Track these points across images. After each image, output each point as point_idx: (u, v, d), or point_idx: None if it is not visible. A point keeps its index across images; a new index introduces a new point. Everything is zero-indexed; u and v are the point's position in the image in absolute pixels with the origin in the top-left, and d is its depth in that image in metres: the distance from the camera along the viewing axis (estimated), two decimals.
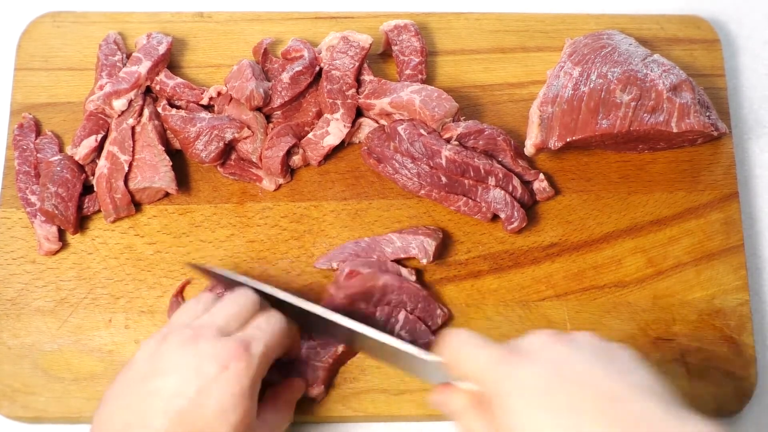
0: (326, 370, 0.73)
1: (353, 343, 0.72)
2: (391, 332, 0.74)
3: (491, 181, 0.78)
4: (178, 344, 0.64)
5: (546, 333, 0.61)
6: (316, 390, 0.73)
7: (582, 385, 0.56)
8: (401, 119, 0.79)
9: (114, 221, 0.78)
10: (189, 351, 0.63)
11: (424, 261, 0.75)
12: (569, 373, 0.57)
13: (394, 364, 0.71)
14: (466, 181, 0.77)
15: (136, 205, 0.79)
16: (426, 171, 0.77)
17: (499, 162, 0.79)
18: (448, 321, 0.76)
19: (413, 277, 0.76)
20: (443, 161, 0.77)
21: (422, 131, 0.77)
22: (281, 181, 0.80)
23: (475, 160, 0.77)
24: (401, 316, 0.74)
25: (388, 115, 0.80)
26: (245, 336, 0.65)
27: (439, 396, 0.66)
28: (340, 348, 0.73)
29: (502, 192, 0.77)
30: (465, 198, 0.78)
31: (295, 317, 0.71)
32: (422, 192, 0.78)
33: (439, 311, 0.75)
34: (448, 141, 0.78)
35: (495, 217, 0.78)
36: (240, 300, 0.68)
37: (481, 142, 0.78)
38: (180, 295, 0.76)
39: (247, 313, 0.68)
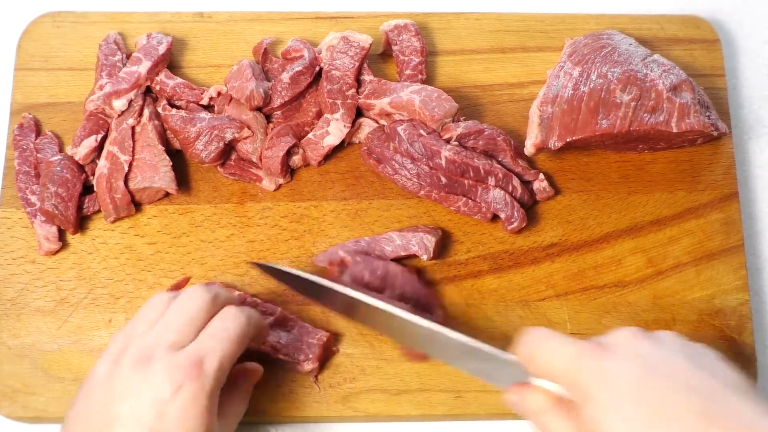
0: (321, 347, 0.73)
1: (409, 339, 0.70)
2: None
3: (491, 181, 0.78)
4: (132, 367, 0.62)
5: (631, 330, 0.60)
6: (310, 366, 0.73)
7: (672, 380, 0.56)
8: (401, 119, 0.79)
9: (114, 221, 0.78)
10: (142, 373, 0.61)
11: (425, 257, 0.75)
12: (658, 369, 0.57)
13: (459, 364, 0.69)
14: (465, 182, 0.77)
15: (136, 205, 0.79)
16: (425, 171, 0.77)
17: (498, 162, 0.79)
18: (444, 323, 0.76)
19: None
20: (443, 161, 0.77)
21: (422, 131, 0.77)
22: (281, 181, 0.80)
23: (475, 160, 0.77)
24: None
25: (388, 115, 0.80)
26: (198, 350, 0.62)
27: (515, 395, 0.64)
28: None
29: (502, 192, 0.77)
30: (465, 198, 0.78)
31: (348, 310, 0.70)
32: (422, 192, 0.78)
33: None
34: (447, 141, 0.78)
35: (495, 218, 0.78)
36: (188, 305, 0.65)
37: (480, 143, 0.78)
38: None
39: (200, 318, 0.65)
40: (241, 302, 0.74)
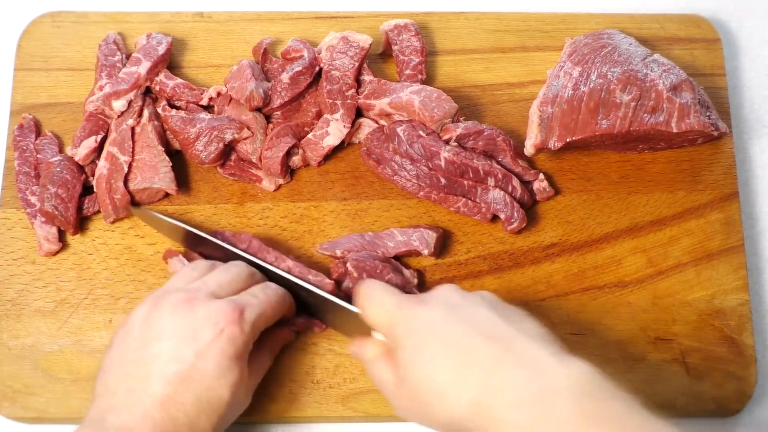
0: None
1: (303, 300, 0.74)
2: None
3: (491, 181, 0.78)
4: (172, 308, 0.65)
5: (449, 285, 0.66)
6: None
7: (471, 325, 0.61)
8: (400, 120, 0.79)
9: (113, 222, 0.78)
10: (184, 315, 0.65)
11: (426, 252, 0.76)
12: (461, 315, 0.62)
13: (331, 323, 0.75)
14: (465, 182, 0.77)
15: (138, 206, 0.79)
16: (425, 172, 0.77)
17: (498, 162, 0.79)
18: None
19: (416, 280, 0.76)
20: (442, 162, 0.77)
21: (421, 132, 0.77)
22: (281, 181, 0.80)
23: (474, 161, 0.77)
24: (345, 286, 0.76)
25: (388, 115, 0.80)
26: (240, 300, 0.67)
27: (356, 347, 0.70)
28: None
29: (502, 192, 0.77)
30: (464, 199, 0.78)
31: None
32: (421, 193, 0.78)
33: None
34: (447, 142, 0.78)
35: (495, 218, 0.78)
36: (233, 269, 0.70)
37: (480, 143, 0.78)
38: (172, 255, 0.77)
39: (241, 282, 0.69)
40: None
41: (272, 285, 0.71)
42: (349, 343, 0.73)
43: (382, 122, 0.81)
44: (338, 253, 0.77)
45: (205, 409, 0.63)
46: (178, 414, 0.62)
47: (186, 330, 0.64)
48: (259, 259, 0.74)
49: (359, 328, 0.70)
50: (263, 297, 0.68)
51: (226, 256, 0.74)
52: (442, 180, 0.77)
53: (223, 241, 0.75)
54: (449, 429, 0.61)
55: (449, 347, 0.60)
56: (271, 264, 0.74)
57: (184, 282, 0.69)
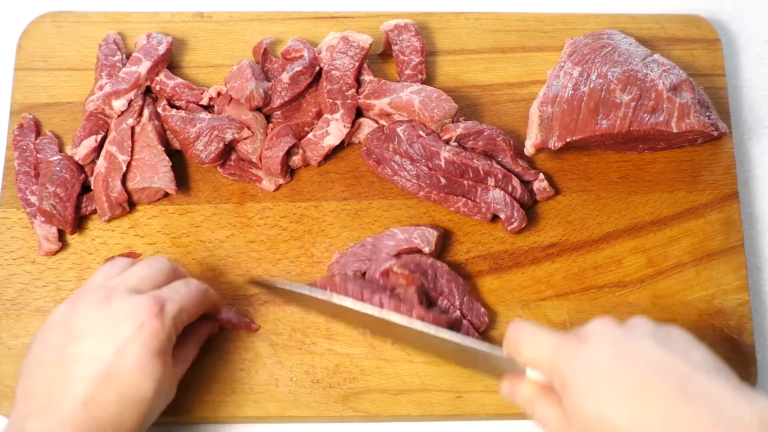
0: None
1: (413, 343, 0.73)
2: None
3: (491, 181, 0.78)
4: (92, 305, 0.64)
5: (603, 319, 0.63)
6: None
7: (641, 363, 0.58)
8: (400, 120, 0.79)
9: (109, 220, 0.78)
10: (103, 311, 0.64)
11: (426, 249, 0.75)
12: (628, 353, 0.59)
13: (458, 361, 0.72)
14: (465, 182, 0.77)
15: (135, 205, 0.79)
16: (425, 172, 0.77)
17: (498, 162, 0.79)
18: (490, 323, 0.76)
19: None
20: (442, 162, 0.77)
21: (421, 132, 0.77)
22: (281, 181, 0.80)
23: (474, 161, 0.77)
24: (454, 315, 0.74)
25: (388, 115, 0.80)
26: (160, 294, 0.66)
27: (508, 386, 0.67)
28: None
29: (502, 192, 0.77)
30: (464, 199, 0.78)
31: (360, 323, 0.72)
32: (421, 193, 0.78)
33: (482, 310, 0.76)
34: (447, 142, 0.78)
35: (495, 218, 0.78)
36: (154, 264, 0.69)
37: (480, 143, 0.78)
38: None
39: (162, 277, 0.68)
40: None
41: (194, 280, 0.69)
42: (345, 345, 0.74)
43: (382, 122, 0.81)
44: (350, 273, 0.76)
45: (129, 406, 0.62)
46: (101, 414, 0.61)
47: (106, 327, 0.63)
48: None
49: (506, 368, 0.67)
50: (185, 291, 0.67)
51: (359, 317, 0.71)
52: (442, 180, 0.77)
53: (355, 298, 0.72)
54: None
55: (622, 386, 0.57)
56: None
57: (104, 279, 0.68)
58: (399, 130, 0.78)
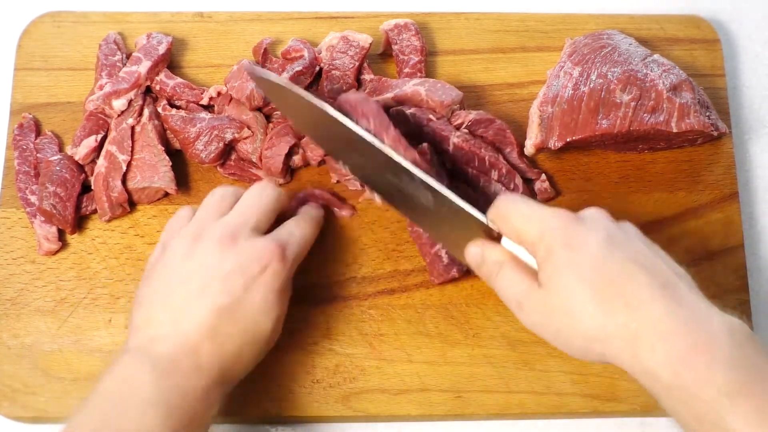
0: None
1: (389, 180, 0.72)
2: (431, 245, 0.75)
3: (494, 174, 0.78)
4: (217, 244, 0.67)
5: (600, 209, 0.65)
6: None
7: (629, 256, 0.60)
8: (407, 106, 0.78)
9: (109, 220, 0.78)
10: (229, 250, 0.66)
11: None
12: (619, 243, 0.61)
13: (431, 223, 0.73)
14: (470, 170, 0.77)
15: (135, 205, 0.79)
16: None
17: (505, 157, 0.79)
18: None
19: None
20: (450, 147, 0.77)
21: (431, 116, 0.77)
22: (281, 181, 0.80)
23: (482, 150, 0.77)
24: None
25: (392, 108, 0.79)
26: (281, 238, 0.69)
27: (478, 247, 0.68)
28: None
29: (503, 188, 0.77)
30: (466, 186, 0.78)
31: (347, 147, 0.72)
32: None
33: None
34: (457, 128, 0.78)
35: None
36: (261, 195, 0.71)
37: (490, 132, 0.78)
38: None
39: (273, 210, 0.71)
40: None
41: (309, 212, 0.74)
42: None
43: None
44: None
45: (250, 340, 0.66)
46: (226, 344, 0.64)
47: (233, 265, 0.66)
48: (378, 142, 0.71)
49: (479, 236, 0.68)
50: (299, 233, 0.71)
51: (345, 138, 0.71)
52: (448, 164, 0.77)
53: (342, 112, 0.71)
54: (580, 350, 0.61)
55: (609, 270, 0.60)
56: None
57: (217, 214, 0.70)
58: (408, 113, 0.77)
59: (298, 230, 0.71)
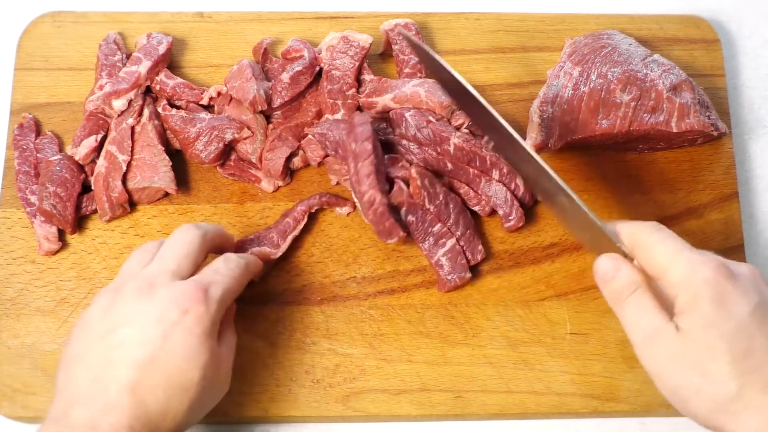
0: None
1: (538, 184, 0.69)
2: (431, 256, 0.76)
3: (495, 174, 0.78)
4: (135, 295, 0.64)
5: (756, 269, 0.61)
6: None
7: None
8: (407, 107, 0.79)
9: (109, 220, 0.78)
10: (147, 299, 0.64)
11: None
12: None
13: (572, 223, 0.70)
14: (471, 170, 0.77)
15: (135, 205, 0.79)
16: (433, 156, 0.77)
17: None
18: (483, 261, 0.77)
19: None
20: (451, 148, 0.77)
21: (431, 118, 0.77)
22: (280, 183, 0.80)
23: (483, 150, 0.77)
24: (450, 242, 0.76)
25: (391, 111, 0.80)
26: (203, 279, 0.66)
27: (612, 262, 0.63)
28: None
29: (504, 189, 0.77)
30: (467, 187, 0.78)
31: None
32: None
33: (480, 247, 0.77)
34: (457, 128, 0.78)
35: (493, 212, 0.78)
36: (182, 239, 0.68)
37: None
38: None
39: (195, 252, 0.68)
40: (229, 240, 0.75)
41: (233, 256, 0.70)
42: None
43: None
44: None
45: (176, 392, 0.62)
46: (148, 399, 0.61)
47: (151, 313, 0.63)
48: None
49: (608, 248, 0.64)
50: (225, 271, 0.67)
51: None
52: (449, 165, 0.77)
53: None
54: (699, 412, 0.58)
55: (756, 343, 0.57)
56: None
57: (139, 266, 0.67)
58: (407, 115, 0.77)
59: (225, 268, 0.68)
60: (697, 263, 0.60)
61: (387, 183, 0.75)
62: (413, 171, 0.75)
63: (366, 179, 0.71)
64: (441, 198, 0.75)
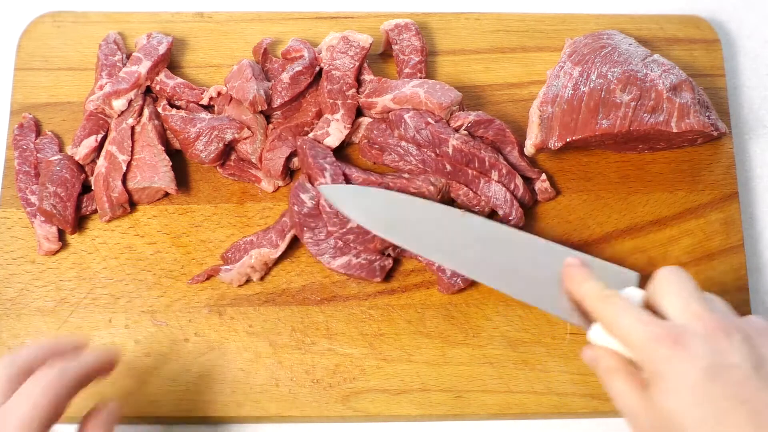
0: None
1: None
2: (431, 263, 0.76)
3: (494, 175, 0.78)
4: None
5: (713, 321, 0.61)
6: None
7: (730, 391, 0.58)
8: (406, 108, 0.79)
9: (109, 220, 0.78)
10: None
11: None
12: (720, 377, 0.58)
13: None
14: (470, 171, 0.77)
15: (134, 205, 0.79)
16: (431, 158, 0.77)
17: (505, 157, 0.79)
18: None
19: None
20: (450, 150, 0.77)
21: (429, 119, 0.77)
22: (280, 183, 0.80)
23: (482, 151, 0.77)
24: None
25: (390, 112, 0.80)
26: (4, 410, 0.59)
27: (591, 353, 0.67)
28: None
29: (504, 189, 0.77)
30: (466, 188, 0.78)
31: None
32: None
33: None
34: (456, 130, 0.78)
35: (493, 213, 0.78)
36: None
37: (490, 132, 0.78)
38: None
39: (8, 386, 0.60)
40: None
41: (42, 375, 0.61)
42: (350, 345, 0.74)
43: None
44: None
45: None
46: None
47: None
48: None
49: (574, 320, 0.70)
50: (38, 393, 0.59)
51: None
52: (448, 167, 0.77)
53: None
54: None
55: (705, 409, 0.58)
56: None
57: None
58: (407, 116, 0.78)
59: (37, 388, 0.60)
60: (645, 340, 0.61)
61: None
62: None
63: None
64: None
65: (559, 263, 0.71)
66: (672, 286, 0.64)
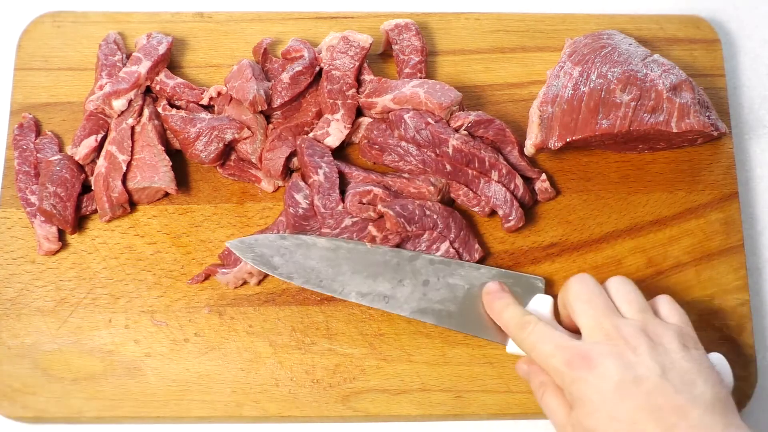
0: None
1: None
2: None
3: (494, 175, 0.78)
4: None
5: (622, 336, 0.65)
6: None
7: (640, 399, 0.61)
8: (406, 109, 0.79)
9: (109, 220, 0.78)
10: None
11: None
12: (629, 389, 0.62)
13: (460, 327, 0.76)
14: (470, 171, 0.77)
15: (135, 205, 0.79)
16: (431, 158, 0.77)
17: (505, 157, 0.79)
18: (483, 258, 0.78)
19: None
20: (450, 150, 0.77)
21: (429, 120, 0.77)
22: (280, 183, 0.80)
23: (482, 151, 0.77)
24: (443, 246, 0.76)
25: (390, 112, 0.80)
26: None
27: (525, 367, 0.72)
28: None
29: (504, 189, 0.77)
30: (466, 188, 0.78)
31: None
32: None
33: (477, 246, 0.77)
34: (456, 130, 0.78)
35: (493, 213, 0.78)
36: None
37: (490, 132, 0.78)
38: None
39: None
40: None
41: None
42: (349, 346, 0.74)
43: None
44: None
45: None
46: None
47: None
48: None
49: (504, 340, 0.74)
50: None
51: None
52: (448, 167, 0.77)
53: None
54: None
55: (618, 419, 0.61)
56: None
57: None
58: (406, 116, 0.78)
59: None
60: (562, 365, 0.65)
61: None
62: (381, 208, 0.75)
63: None
64: (417, 213, 0.75)
65: (472, 285, 0.75)
66: (582, 305, 0.67)
